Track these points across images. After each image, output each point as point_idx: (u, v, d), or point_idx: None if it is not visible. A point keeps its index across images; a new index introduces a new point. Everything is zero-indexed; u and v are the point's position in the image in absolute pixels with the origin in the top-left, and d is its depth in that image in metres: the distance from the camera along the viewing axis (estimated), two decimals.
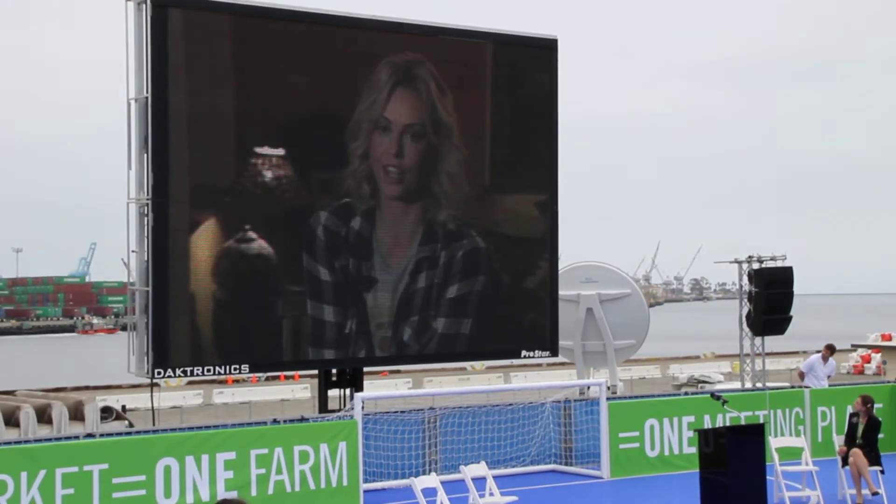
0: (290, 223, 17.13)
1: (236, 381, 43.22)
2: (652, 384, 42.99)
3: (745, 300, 24.51)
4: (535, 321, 19.30)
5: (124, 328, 16.87)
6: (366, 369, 18.90)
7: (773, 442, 15.73)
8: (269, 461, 14.73)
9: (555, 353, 19.94)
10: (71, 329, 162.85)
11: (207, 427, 15.43)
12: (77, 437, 14.43)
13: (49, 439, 14.62)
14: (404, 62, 17.90)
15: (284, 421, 15.63)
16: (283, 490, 14.78)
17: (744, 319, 24.86)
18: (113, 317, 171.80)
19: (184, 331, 16.35)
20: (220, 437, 14.68)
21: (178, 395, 37.47)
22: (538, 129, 19.34)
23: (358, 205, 17.51)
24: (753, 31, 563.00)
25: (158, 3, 15.97)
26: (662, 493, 16.46)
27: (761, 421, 17.61)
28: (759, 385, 24.33)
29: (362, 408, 15.74)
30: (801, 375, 21.58)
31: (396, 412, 17.15)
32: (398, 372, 44.88)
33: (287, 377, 43.23)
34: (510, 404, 18.18)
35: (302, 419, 15.86)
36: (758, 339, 25.21)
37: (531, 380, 39.06)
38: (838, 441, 15.75)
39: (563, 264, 22.86)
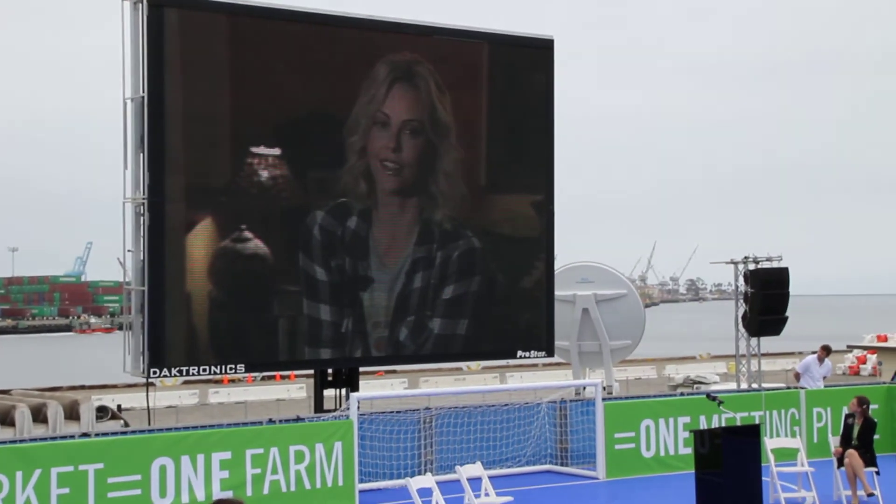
0: (286, 223, 17.12)
1: (232, 381, 43.25)
2: (648, 385, 43.02)
3: (741, 301, 24.52)
4: (531, 321, 19.30)
5: (121, 327, 16.85)
6: (361, 369, 18.89)
7: (769, 443, 15.73)
8: (264, 461, 14.71)
9: (551, 353, 19.95)
10: (67, 328, 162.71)
11: (203, 427, 15.42)
12: (72, 437, 14.41)
13: (44, 438, 14.59)
14: (403, 60, 17.91)
15: (280, 421, 15.61)
16: (279, 490, 14.76)
17: (740, 320, 24.87)
18: (109, 316, 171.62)
19: (179, 330, 16.34)
20: (215, 436, 14.66)
21: (173, 394, 37.48)
22: (534, 129, 19.35)
23: (354, 204, 17.51)
24: (757, 29, 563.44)
25: (155, 2, 15.96)
26: (658, 494, 16.46)
27: (757, 422, 17.62)
28: (754, 386, 24.34)
29: (358, 408, 15.73)
30: (797, 376, 21.58)
31: (392, 412, 17.14)
32: (394, 372, 44.88)
33: (283, 377, 43.23)
34: (506, 404, 18.18)
35: (298, 419, 15.84)
36: (753, 340, 25.21)
37: (527, 380, 39.12)
38: (834, 442, 15.75)
39: (559, 264, 22.87)
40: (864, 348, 52.61)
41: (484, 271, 18.67)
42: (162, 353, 16.06)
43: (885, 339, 51.89)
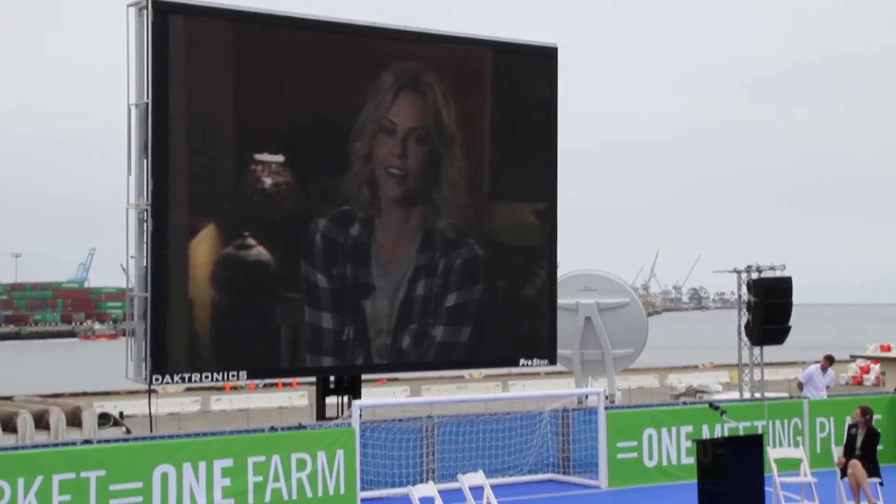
0: (288, 230, 17.12)
1: (234, 388, 43.19)
2: (650, 394, 42.95)
3: (744, 310, 24.49)
4: (533, 329, 19.28)
5: (125, 334, 16.84)
6: (364, 377, 18.87)
7: (772, 453, 15.69)
8: (266, 469, 14.69)
9: (553, 361, 19.93)
10: (71, 334, 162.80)
11: (205, 434, 15.40)
12: (74, 444, 14.39)
13: (46, 445, 14.60)
14: (408, 67, 17.92)
15: (282, 428, 15.60)
16: (281, 498, 14.74)
17: (742, 329, 24.84)
18: (111, 322, 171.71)
19: (182, 337, 16.33)
20: (217, 444, 14.64)
21: (175, 401, 37.48)
22: (537, 137, 19.35)
23: (357, 211, 17.50)
24: (763, 38, 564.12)
25: (160, 9, 15.98)
26: None
27: (760, 431, 17.58)
28: (757, 395, 24.30)
29: (360, 416, 15.71)
30: (800, 386, 21.54)
31: (394, 420, 17.12)
32: (396, 380, 44.82)
33: (285, 384, 43.19)
34: (508, 413, 18.15)
35: (300, 427, 15.82)
36: (756, 349, 25.18)
37: (529, 388, 39.10)
38: (837, 452, 15.71)
39: (561, 273, 22.86)
40: (868, 358, 52.54)
41: (486, 279, 18.66)
42: (164, 360, 16.05)
43: (889, 349, 51.84)
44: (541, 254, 19.40)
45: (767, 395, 24.02)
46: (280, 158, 16.99)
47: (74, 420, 20.53)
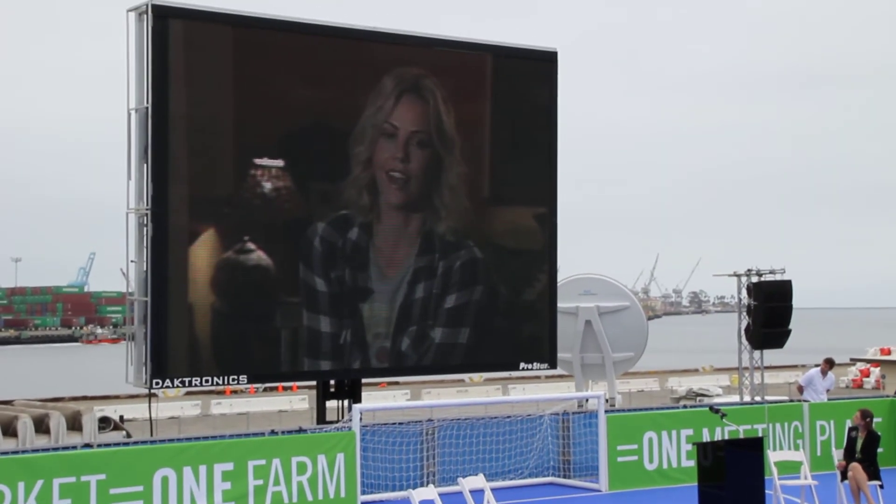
0: (288, 234, 17.13)
1: (234, 392, 43.17)
2: (650, 397, 42.93)
3: (744, 313, 24.50)
4: (533, 333, 19.29)
5: (127, 338, 16.86)
6: (364, 381, 18.88)
7: (772, 456, 15.69)
8: (266, 472, 14.70)
9: (553, 365, 19.93)
10: (71, 339, 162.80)
11: (205, 438, 15.41)
12: (75, 448, 14.41)
13: (47, 449, 14.60)
14: (409, 72, 17.93)
15: (282, 432, 15.61)
16: (281, 501, 14.74)
17: (743, 333, 24.83)
18: (112, 327, 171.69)
19: (182, 341, 16.34)
20: (217, 447, 14.65)
21: (175, 405, 37.42)
22: (537, 141, 19.36)
23: (356, 216, 17.52)
24: (762, 40, 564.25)
25: (160, 13, 16.00)
26: None
27: (760, 434, 17.59)
28: (757, 398, 24.29)
29: (360, 419, 15.72)
30: (800, 389, 21.55)
31: (394, 424, 17.12)
32: (396, 384, 44.82)
33: (285, 388, 43.17)
34: (508, 416, 18.16)
35: (300, 430, 15.84)
36: (756, 353, 25.17)
37: (529, 392, 39.03)
38: (837, 455, 15.72)
39: (561, 276, 22.87)
40: (868, 361, 52.53)
41: (486, 282, 18.67)
42: (164, 364, 16.06)
43: (889, 353, 51.82)
44: (541, 258, 19.42)
45: (768, 398, 24.02)
46: (280, 163, 17.00)
47: (75, 424, 20.52)
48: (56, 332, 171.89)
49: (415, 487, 14.45)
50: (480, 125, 18.86)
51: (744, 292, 24.54)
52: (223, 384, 16.89)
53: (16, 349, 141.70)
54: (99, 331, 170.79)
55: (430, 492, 13.38)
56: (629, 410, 19.95)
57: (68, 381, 63.53)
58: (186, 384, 16.36)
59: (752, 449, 14.01)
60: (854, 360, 54.32)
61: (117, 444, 15.50)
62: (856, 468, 15.00)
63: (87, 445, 14.62)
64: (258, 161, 16.84)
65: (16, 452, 14.25)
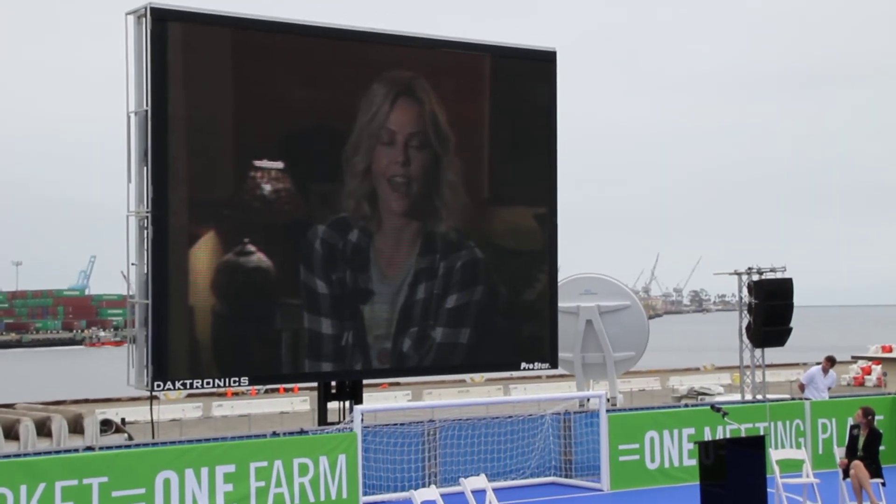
0: (288, 236, 17.14)
1: (236, 394, 43.15)
2: (652, 396, 42.91)
3: (745, 312, 24.50)
4: (534, 333, 19.29)
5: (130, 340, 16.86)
6: (365, 382, 18.88)
7: (774, 454, 15.70)
8: (268, 474, 14.71)
9: (554, 365, 19.93)
10: (72, 342, 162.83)
11: (207, 440, 15.42)
12: (76, 450, 14.41)
13: (48, 452, 14.60)
14: (404, 74, 17.93)
15: (284, 433, 15.61)
16: (283, 503, 14.76)
17: (744, 331, 24.83)
18: (113, 330, 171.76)
19: (183, 343, 16.35)
20: (219, 449, 14.66)
21: (177, 407, 37.40)
22: (537, 141, 19.37)
23: (357, 220, 17.51)
24: (763, 39, 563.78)
25: (158, 16, 16.01)
26: None
27: (762, 433, 17.60)
28: (759, 397, 24.30)
29: (362, 420, 15.72)
30: (802, 387, 21.55)
31: (396, 425, 17.13)
32: (398, 384, 44.79)
33: (286, 390, 43.17)
34: (510, 416, 18.17)
35: (301, 432, 15.85)
36: (758, 351, 25.17)
37: (531, 392, 39.00)
38: (839, 453, 15.72)
39: (562, 276, 22.87)
40: (869, 359, 52.54)
41: (487, 282, 18.67)
42: (165, 367, 16.06)
43: (890, 350, 51.87)
44: (541, 258, 19.42)
45: (769, 396, 24.02)
46: (279, 165, 17.01)
47: (76, 427, 20.52)
48: (57, 336, 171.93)
49: (417, 488, 14.47)
50: (480, 125, 18.86)
51: (744, 291, 24.54)
52: (224, 386, 16.89)
53: (17, 352, 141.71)
54: (102, 333, 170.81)
55: (432, 492, 13.39)
56: (630, 410, 19.95)
57: (70, 384, 63.54)
58: (188, 386, 16.36)
59: (753, 447, 14.01)
60: (855, 358, 54.32)
61: (119, 447, 15.49)
62: (858, 466, 15.00)
63: (89, 448, 14.63)
64: (258, 163, 16.85)
65: (17, 455, 14.26)
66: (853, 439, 15.54)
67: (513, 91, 19.09)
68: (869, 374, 50.66)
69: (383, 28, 18.19)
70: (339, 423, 16.74)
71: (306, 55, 17.31)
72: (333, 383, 18.07)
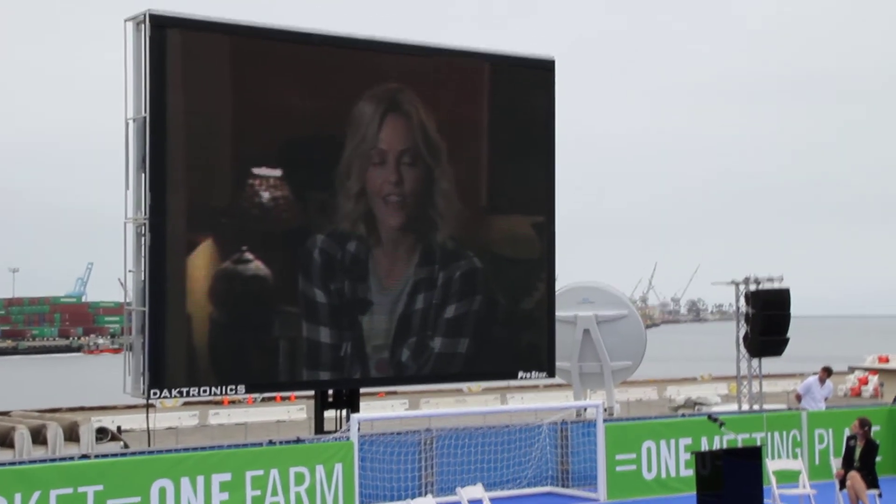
0: (287, 245, 17.11)
1: (232, 402, 43.17)
2: (649, 406, 42.95)
3: (743, 321, 24.50)
4: (532, 342, 19.27)
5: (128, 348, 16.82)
6: (362, 390, 18.85)
7: (771, 464, 15.69)
8: (264, 483, 14.67)
9: (552, 374, 19.91)
10: (69, 349, 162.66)
11: (203, 448, 15.37)
12: (72, 458, 14.37)
13: (44, 460, 14.56)
14: (390, 88, 17.83)
15: (280, 442, 15.57)
16: None
17: (741, 341, 24.84)
18: (109, 337, 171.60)
19: (180, 351, 16.31)
20: (215, 458, 14.62)
21: (173, 415, 37.43)
22: (535, 149, 19.37)
23: (356, 227, 17.49)
24: (760, 49, 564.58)
25: (157, 23, 16.01)
26: None
27: (758, 443, 17.58)
28: (756, 407, 24.29)
29: (358, 429, 15.69)
30: (799, 398, 21.55)
31: (393, 433, 17.10)
32: (394, 393, 44.79)
33: (283, 398, 43.15)
34: (507, 426, 18.14)
35: (298, 440, 15.81)
36: (755, 361, 25.18)
37: (528, 401, 39.05)
38: (836, 464, 15.71)
39: (559, 285, 22.86)
40: (866, 370, 52.60)
41: (485, 292, 18.65)
42: (162, 374, 16.02)
43: (887, 361, 51.87)
44: (539, 266, 19.41)
45: (766, 406, 24.02)
46: (278, 173, 17.00)
47: (72, 435, 20.51)
48: (54, 343, 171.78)
49: (413, 497, 14.46)
50: (478, 133, 18.86)
51: (742, 300, 24.55)
52: (221, 394, 16.85)
53: (13, 360, 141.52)
54: (100, 341, 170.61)
55: (429, 501, 13.36)
56: (627, 419, 19.94)
57: (66, 391, 63.44)
58: (184, 394, 16.32)
59: (750, 458, 14.01)
60: (852, 369, 54.38)
61: (115, 455, 15.46)
62: (854, 477, 14.99)
63: (85, 456, 14.58)
64: (256, 170, 16.83)
65: (13, 463, 14.21)
66: (850, 450, 15.53)
67: (511, 99, 19.09)
68: (866, 384, 50.73)
69: (382, 36, 18.19)
70: (335, 431, 16.71)
71: (305, 63, 17.31)
72: (330, 392, 18.05)
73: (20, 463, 14.30)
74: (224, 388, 16.59)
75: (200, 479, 14.24)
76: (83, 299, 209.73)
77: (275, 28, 17.15)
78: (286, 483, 14.81)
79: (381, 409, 37.17)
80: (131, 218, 16.24)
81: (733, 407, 29.57)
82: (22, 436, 19.10)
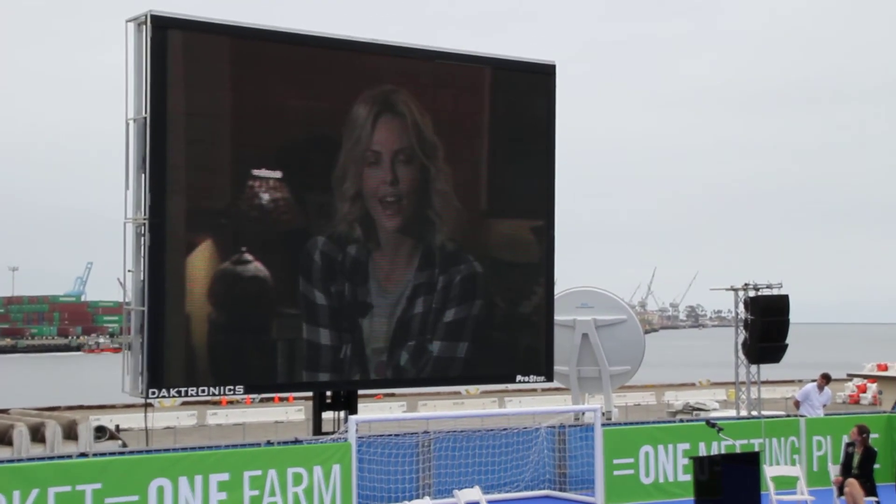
0: (287, 246, 17.12)
1: (230, 403, 43.18)
2: (647, 411, 42.93)
3: (741, 328, 24.50)
4: (530, 346, 19.28)
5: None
6: (360, 392, 18.86)
7: (769, 471, 15.69)
8: (262, 483, 14.66)
9: (550, 378, 19.90)
10: (66, 348, 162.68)
11: (201, 448, 15.38)
12: (70, 457, 14.38)
13: (42, 458, 14.58)
14: (383, 89, 17.84)
15: (278, 443, 15.57)
16: None
17: (739, 347, 24.84)
18: (108, 336, 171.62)
19: (178, 351, 16.31)
20: (213, 458, 14.62)
21: (171, 415, 37.44)
22: (535, 154, 19.38)
23: (355, 229, 17.50)
24: (759, 55, 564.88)
25: (159, 24, 16.03)
26: None
27: (756, 449, 17.57)
28: (754, 413, 24.29)
29: (356, 430, 15.69)
30: (797, 404, 21.53)
31: (391, 435, 17.10)
32: (392, 395, 44.80)
33: (281, 399, 43.16)
34: (505, 429, 18.13)
35: (296, 441, 15.81)
36: (753, 367, 25.18)
37: (526, 405, 39.05)
38: (834, 471, 15.72)
39: (558, 289, 22.87)
40: (865, 377, 52.60)
41: (484, 296, 18.66)
42: (161, 374, 16.03)
43: (886, 368, 51.90)
44: (538, 270, 19.41)
45: (764, 412, 24.01)
46: (278, 174, 17.00)
47: (70, 433, 20.53)
48: (52, 342, 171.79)
49: (410, 499, 14.45)
50: (478, 138, 18.87)
51: (741, 307, 24.56)
52: (219, 394, 16.86)
53: (13, 358, 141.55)
54: (101, 340, 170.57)
55: (426, 503, 13.37)
56: (626, 424, 19.93)
57: (65, 390, 63.42)
58: (182, 394, 16.33)
59: (748, 464, 14.01)
60: (851, 376, 54.36)
61: (113, 454, 15.47)
62: (852, 484, 14.99)
63: (83, 455, 14.60)
64: (256, 172, 16.84)
65: (11, 461, 14.22)
66: (848, 457, 15.54)
67: (512, 103, 19.10)
68: (864, 391, 50.71)
69: (383, 39, 18.21)
70: (333, 433, 16.71)
71: (306, 65, 17.32)
72: (329, 393, 18.06)
73: (18, 461, 14.31)
74: (222, 388, 16.60)
75: (198, 479, 14.23)
76: (82, 298, 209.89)
77: (275, 30, 17.17)
78: (284, 483, 14.81)
79: (378, 411, 37.16)
80: (131, 218, 16.25)
81: (732, 413, 29.57)
82: (21, 434, 19.12)
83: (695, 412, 38.58)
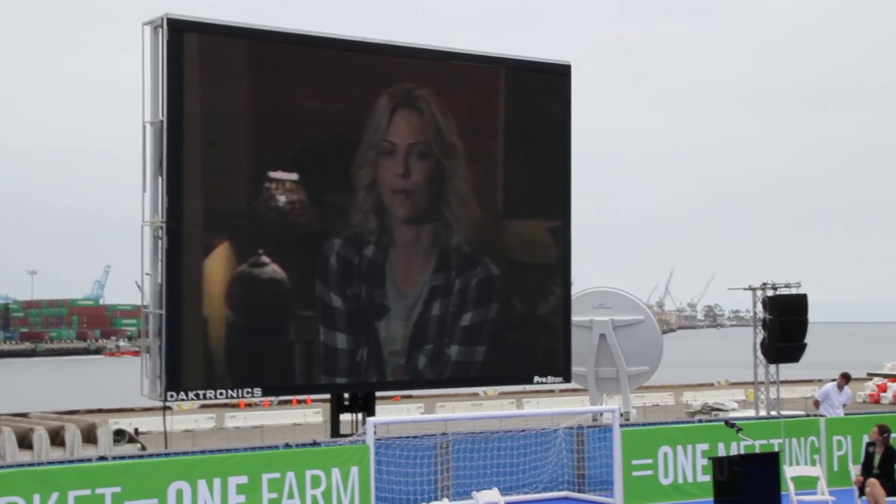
0: (303, 249, 17.13)
1: (248, 405, 43.22)
2: (665, 411, 42.80)
3: (760, 327, 24.40)
4: (548, 347, 19.25)
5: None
6: (378, 394, 18.85)
7: (789, 471, 15.62)
8: (280, 485, 14.69)
9: (568, 379, 19.87)
10: (85, 351, 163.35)
11: (220, 451, 15.41)
12: (90, 460, 14.44)
13: (62, 461, 14.64)
14: (405, 85, 17.88)
15: (296, 445, 15.59)
16: None
17: (758, 347, 24.73)
18: (127, 340, 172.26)
19: (197, 354, 16.34)
20: (232, 460, 14.65)
21: (190, 418, 37.51)
22: (551, 154, 19.35)
23: (371, 232, 17.50)
24: (777, 55, 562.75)
25: (175, 27, 16.07)
26: None
27: (776, 449, 17.51)
28: (773, 413, 24.18)
29: (374, 433, 15.69)
30: (817, 404, 21.44)
31: (409, 437, 17.09)
32: (410, 397, 44.76)
33: (299, 401, 43.19)
34: (523, 430, 18.11)
35: (314, 443, 15.83)
36: (772, 367, 25.06)
37: (544, 406, 38.98)
38: (854, 471, 15.64)
39: (576, 290, 22.83)
40: (885, 376, 52.32)
41: (501, 298, 18.63)
42: (179, 377, 16.06)
43: None
44: (555, 271, 19.38)
45: (783, 412, 23.90)
46: (294, 176, 17.02)
47: (90, 436, 20.60)
48: (71, 345, 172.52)
49: (429, 501, 14.45)
50: (494, 138, 18.85)
51: (759, 306, 24.44)
52: (237, 397, 16.88)
53: (33, 361, 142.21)
54: (121, 343, 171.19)
55: None
56: (644, 425, 19.88)
57: (84, 393, 63.66)
58: (201, 397, 16.36)
59: (768, 464, 13.95)
60: (871, 375, 54.11)
61: (132, 457, 15.52)
62: (873, 484, 14.91)
63: (102, 458, 14.66)
64: (272, 174, 16.86)
65: (31, 465, 14.29)
66: (869, 457, 15.45)
67: (527, 104, 19.08)
68: (885, 391, 50.40)
69: (398, 40, 18.22)
70: (351, 435, 16.71)
71: (321, 66, 17.34)
72: (346, 396, 18.06)
73: (38, 464, 14.37)
74: (240, 390, 16.62)
75: (217, 482, 14.27)
76: (101, 302, 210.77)
77: (290, 32, 17.19)
78: (302, 486, 14.83)
79: (396, 413, 37.14)
80: (148, 221, 16.29)
81: (751, 413, 29.46)
82: (40, 437, 19.20)
83: (714, 412, 38.44)
